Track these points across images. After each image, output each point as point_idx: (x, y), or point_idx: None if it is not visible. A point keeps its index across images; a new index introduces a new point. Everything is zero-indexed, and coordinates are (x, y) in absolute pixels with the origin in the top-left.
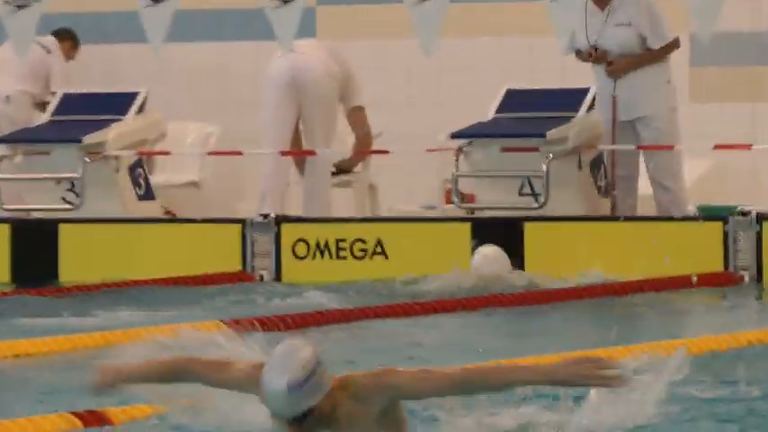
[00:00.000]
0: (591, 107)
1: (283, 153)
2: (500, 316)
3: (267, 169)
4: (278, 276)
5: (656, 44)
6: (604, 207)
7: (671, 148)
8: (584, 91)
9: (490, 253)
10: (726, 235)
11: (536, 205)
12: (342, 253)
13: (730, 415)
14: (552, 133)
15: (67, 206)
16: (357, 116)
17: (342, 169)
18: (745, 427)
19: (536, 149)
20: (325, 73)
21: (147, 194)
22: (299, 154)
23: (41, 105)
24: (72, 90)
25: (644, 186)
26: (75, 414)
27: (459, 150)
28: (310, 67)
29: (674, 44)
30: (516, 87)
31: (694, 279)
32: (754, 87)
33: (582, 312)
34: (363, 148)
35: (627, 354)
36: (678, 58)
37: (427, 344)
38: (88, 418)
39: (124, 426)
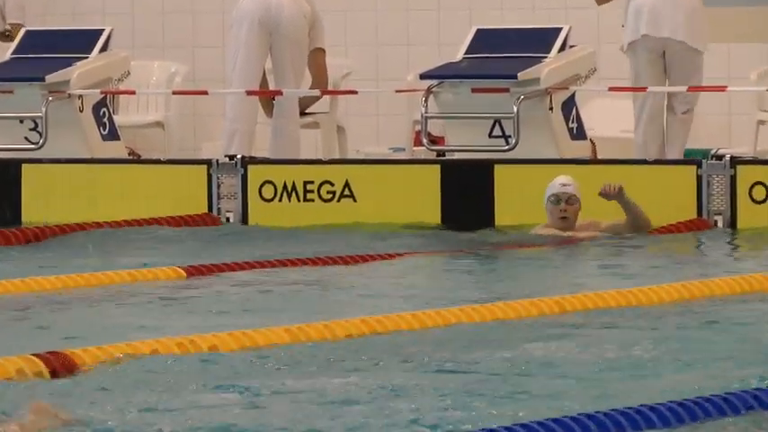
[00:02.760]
0: (562, 47)
1: (250, 92)
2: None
3: (235, 110)
4: (244, 219)
5: None
6: (576, 150)
7: (643, 89)
8: (557, 31)
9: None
10: (699, 179)
11: (506, 147)
12: (309, 195)
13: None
14: (523, 74)
15: (30, 146)
16: (317, 58)
17: (300, 107)
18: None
19: (506, 90)
20: (298, 12)
21: (112, 134)
22: (266, 93)
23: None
24: (30, 24)
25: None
26: (38, 356)
27: (429, 91)
28: (283, 5)
29: None
30: (486, 27)
31: None
32: (728, 28)
33: (548, 260)
34: (320, 90)
35: (598, 301)
36: None
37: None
38: (51, 360)
39: (90, 369)
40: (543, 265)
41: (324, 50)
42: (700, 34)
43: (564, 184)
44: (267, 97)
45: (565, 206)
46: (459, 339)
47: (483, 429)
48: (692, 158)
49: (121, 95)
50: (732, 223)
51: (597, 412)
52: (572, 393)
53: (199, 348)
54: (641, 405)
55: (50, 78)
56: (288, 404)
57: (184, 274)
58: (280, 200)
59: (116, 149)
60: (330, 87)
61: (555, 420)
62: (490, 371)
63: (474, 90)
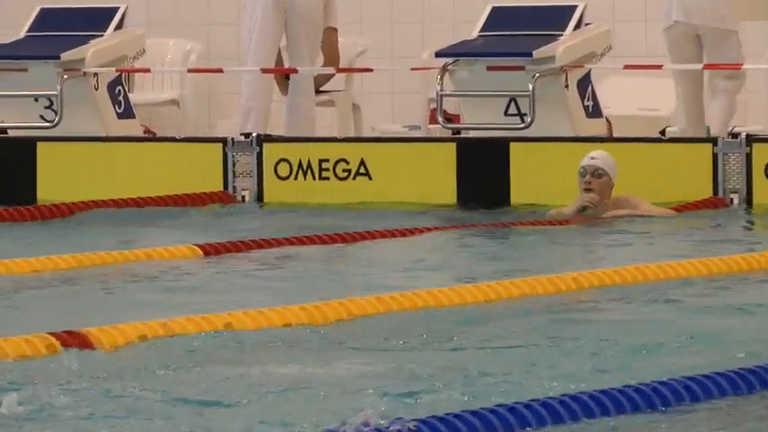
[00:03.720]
0: (578, 25)
1: (265, 70)
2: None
3: (250, 87)
4: (260, 197)
5: None
6: (591, 127)
7: (658, 67)
8: (572, 8)
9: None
10: (715, 157)
11: (522, 125)
12: (325, 173)
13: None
14: (539, 52)
15: (45, 124)
16: (329, 37)
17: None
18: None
19: (522, 68)
20: None
21: (127, 112)
22: (281, 71)
23: None
24: (45, 2)
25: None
26: (54, 335)
27: (444, 69)
28: None
29: None
30: (502, 5)
31: None
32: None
33: (565, 237)
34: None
35: (616, 277)
36: None
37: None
38: (67, 339)
39: (105, 349)
40: (560, 241)
41: (336, 29)
42: (730, 14)
43: (592, 158)
44: (282, 75)
45: (590, 178)
46: (475, 317)
47: (500, 405)
48: (708, 136)
49: (137, 73)
50: (748, 201)
51: (611, 389)
52: (588, 370)
53: (214, 327)
54: (654, 381)
55: (65, 56)
56: (303, 384)
57: (201, 253)
58: (295, 178)
59: (131, 127)
60: (345, 65)
61: (573, 397)
62: (505, 348)
63: (489, 68)
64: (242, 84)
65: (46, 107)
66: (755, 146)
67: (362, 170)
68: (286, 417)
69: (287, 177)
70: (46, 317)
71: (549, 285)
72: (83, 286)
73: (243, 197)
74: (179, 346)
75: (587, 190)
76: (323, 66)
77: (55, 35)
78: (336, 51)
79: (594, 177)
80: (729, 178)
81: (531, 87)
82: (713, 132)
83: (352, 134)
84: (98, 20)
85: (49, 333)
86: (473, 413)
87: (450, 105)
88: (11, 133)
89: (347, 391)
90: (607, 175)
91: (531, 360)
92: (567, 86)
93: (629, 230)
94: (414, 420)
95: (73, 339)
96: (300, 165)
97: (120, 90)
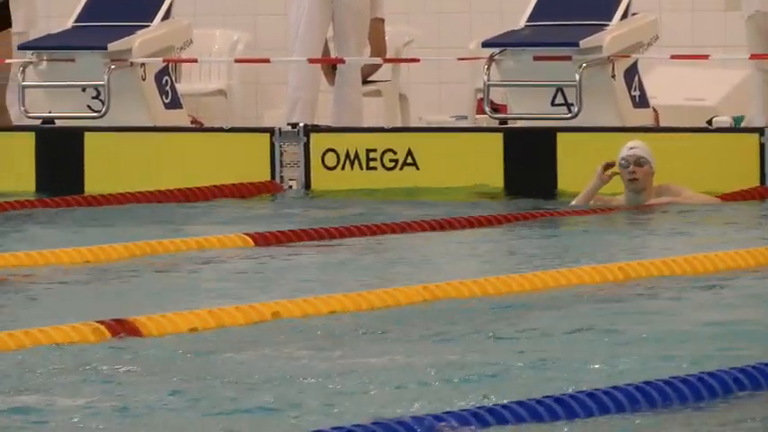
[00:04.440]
0: (624, 15)
1: (312, 61)
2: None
3: (297, 78)
4: (307, 186)
5: None
6: (638, 117)
7: (704, 57)
8: None
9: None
10: (762, 147)
11: (569, 115)
12: (372, 163)
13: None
14: (586, 42)
15: (93, 114)
16: (376, 27)
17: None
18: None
19: (569, 58)
20: None
21: (174, 103)
22: (328, 61)
23: None
24: None
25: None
26: (103, 323)
27: (491, 59)
28: None
29: None
30: None
31: None
32: None
33: (611, 226)
34: (381, 59)
35: (663, 268)
36: None
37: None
38: (116, 328)
39: (153, 338)
40: (606, 231)
41: (383, 20)
42: None
43: (632, 147)
44: (329, 65)
45: (633, 168)
46: (520, 307)
47: (547, 397)
48: (754, 126)
49: (184, 64)
50: None
51: (657, 380)
52: (634, 361)
53: (262, 316)
54: (701, 372)
55: (112, 47)
56: (349, 373)
57: (251, 242)
58: (342, 168)
59: (178, 118)
60: (392, 55)
61: (618, 389)
62: (550, 339)
63: (536, 58)
64: (289, 74)
65: (93, 97)
66: None
67: (409, 160)
68: (332, 405)
69: (334, 167)
70: (96, 306)
71: (596, 275)
72: (133, 276)
73: (290, 187)
74: (229, 335)
75: (632, 180)
76: (370, 56)
77: (102, 25)
78: (384, 42)
79: (638, 166)
80: None
81: (577, 77)
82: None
83: (399, 124)
84: (145, 10)
85: (98, 321)
86: (519, 403)
87: (497, 95)
88: (58, 123)
89: (393, 380)
90: (648, 163)
91: (576, 351)
92: (613, 76)
93: (673, 219)
94: (466, 411)
95: (122, 327)
96: (348, 155)
97: (167, 80)
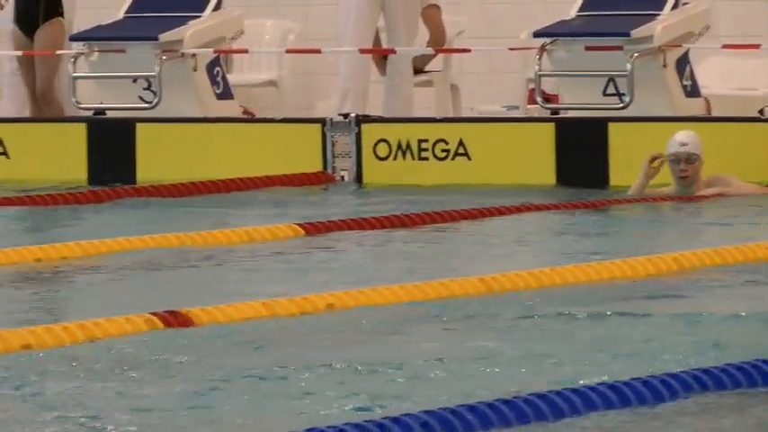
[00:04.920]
0: (675, 5)
1: (364, 51)
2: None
3: (348, 68)
4: (359, 177)
5: None
6: (690, 107)
7: (757, 47)
8: None
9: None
10: None
11: (620, 105)
12: (423, 154)
13: None
14: (637, 32)
15: (144, 105)
16: (432, 14)
17: (415, 68)
18: None
19: (620, 48)
20: None
21: (225, 93)
22: (380, 52)
23: None
24: None
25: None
26: (156, 315)
27: (542, 49)
28: None
29: None
30: None
31: None
32: None
33: (666, 216)
34: (437, 45)
35: (716, 258)
36: None
37: (501, 249)
38: (169, 319)
39: (206, 328)
40: (659, 221)
41: (438, 6)
42: None
43: (682, 143)
44: (380, 56)
45: (684, 165)
46: (577, 297)
47: (603, 384)
48: None
49: (235, 54)
50: None
51: (712, 367)
52: (692, 350)
53: (315, 307)
54: (758, 359)
55: (164, 37)
56: (408, 362)
57: (303, 232)
58: (394, 158)
59: (230, 108)
60: (443, 45)
61: (673, 376)
62: (607, 329)
63: (587, 48)
64: (340, 64)
65: (145, 88)
66: None
67: (461, 150)
68: (385, 395)
69: (386, 158)
70: (148, 296)
71: (650, 266)
72: (185, 266)
73: (342, 177)
74: (280, 326)
75: (683, 177)
76: (428, 43)
77: (153, 16)
78: (442, 27)
79: (689, 164)
80: None
81: (629, 67)
82: None
83: (450, 114)
84: (196, 0)
85: (151, 313)
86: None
87: (548, 85)
88: (110, 114)
89: (450, 370)
90: (699, 158)
91: (633, 339)
92: (665, 66)
93: (723, 210)
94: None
95: (174, 319)
96: (399, 145)
97: (218, 71)
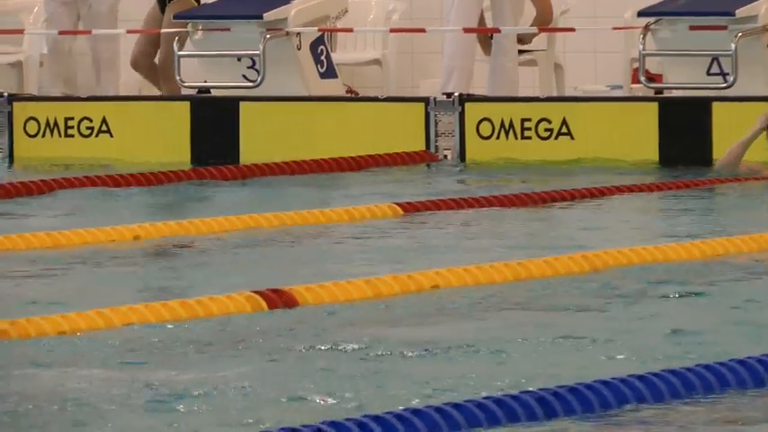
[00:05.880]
0: None
1: (468, 30)
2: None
3: (453, 47)
4: (462, 156)
5: None
6: None
7: None
8: None
9: None
10: None
11: (724, 85)
12: (527, 133)
13: None
14: (741, 11)
15: (248, 84)
16: None
17: (519, 41)
18: None
19: (724, 28)
20: None
21: (329, 72)
22: (484, 31)
23: None
24: None
25: None
26: (260, 294)
27: (647, 29)
28: None
29: None
30: None
31: None
32: None
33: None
34: (544, 23)
35: None
36: None
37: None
38: (273, 298)
39: (309, 308)
40: (763, 199)
41: None
42: None
43: None
44: (485, 35)
45: None
46: (684, 275)
47: (698, 365)
48: None
49: (339, 33)
50: None
51: None
52: None
53: (420, 286)
54: None
55: (268, 16)
56: (504, 343)
57: (401, 211)
58: (497, 137)
59: (334, 87)
60: (550, 24)
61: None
62: (707, 306)
63: (692, 27)
64: (445, 43)
65: (248, 67)
66: None
67: (564, 129)
68: (491, 376)
69: (489, 137)
70: (249, 275)
71: (753, 243)
72: (285, 245)
73: (445, 156)
74: (383, 306)
75: None
76: (535, 20)
77: None
78: (549, 6)
79: None
80: None
81: (733, 47)
82: None
83: (554, 94)
84: None
85: (254, 291)
86: (672, 372)
87: (652, 65)
88: (214, 93)
89: (551, 351)
90: None
91: (734, 320)
92: None
93: None
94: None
95: (278, 298)
96: (502, 124)
97: (322, 50)
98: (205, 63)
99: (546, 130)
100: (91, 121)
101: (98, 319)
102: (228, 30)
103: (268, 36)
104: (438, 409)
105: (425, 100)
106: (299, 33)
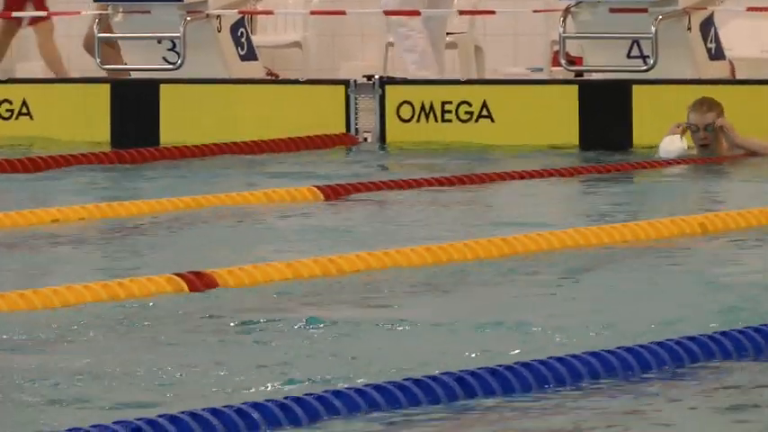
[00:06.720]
0: None
1: (388, 13)
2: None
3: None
4: (382, 139)
5: None
6: (714, 70)
7: None
8: None
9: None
10: None
11: (645, 67)
12: (447, 116)
13: None
14: None
15: (168, 66)
16: None
17: None
18: None
19: (645, 11)
20: None
21: (250, 55)
22: (402, 14)
23: None
24: None
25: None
26: (181, 276)
27: (567, 11)
28: None
29: None
30: None
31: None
32: None
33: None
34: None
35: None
36: None
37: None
38: (194, 281)
39: (229, 290)
40: (683, 183)
41: None
42: None
43: (701, 113)
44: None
45: (704, 134)
46: (597, 259)
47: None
48: None
49: (259, 16)
50: None
51: (732, 330)
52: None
53: (341, 270)
54: None
55: None
56: (429, 324)
57: (321, 195)
58: (417, 120)
59: (254, 70)
60: (469, 7)
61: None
62: (629, 291)
63: (612, 10)
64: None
65: (169, 49)
66: None
67: (485, 112)
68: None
69: (409, 120)
70: (168, 258)
71: (674, 228)
72: (203, 228)
73: (365, 139)
74: (303, 287)
75: (703, 146)
76: None
77: None
78: None
79: (708, 132)
80: None
81: (653, 29)
82: None
83: (474, 76)
84: None
85: (175, 273)
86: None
87: (572, 47)
88: (134, 75)
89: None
90: (715, 124)
91: (652, 304)
92: (689, 29)
93: (747, 171)
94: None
95: (199, 280)
96: (423, 107)
97: (242, 32)
98: (125, 45)
99: (466, 113)
100: (11, 103)
101: (19, 300)
102: (149, 12)
103: (188, 18)
104: (319, 398)
105: (346, 83)
106: (219, 16)
